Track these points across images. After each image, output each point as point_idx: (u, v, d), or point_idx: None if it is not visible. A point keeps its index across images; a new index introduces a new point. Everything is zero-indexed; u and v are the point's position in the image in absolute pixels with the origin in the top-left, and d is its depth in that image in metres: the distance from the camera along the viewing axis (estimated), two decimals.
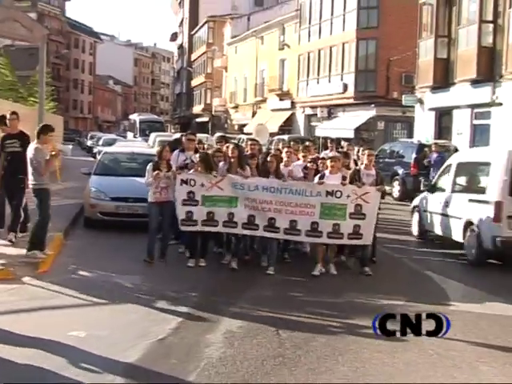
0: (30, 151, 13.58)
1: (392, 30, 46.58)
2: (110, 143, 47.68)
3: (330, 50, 54.25)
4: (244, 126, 69.57)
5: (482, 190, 16.34)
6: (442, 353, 9.02)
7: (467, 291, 13.77)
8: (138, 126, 60.44)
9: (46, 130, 13.94)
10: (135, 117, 68.32)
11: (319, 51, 56.22)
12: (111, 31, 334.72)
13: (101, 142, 52.60)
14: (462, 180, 18.32)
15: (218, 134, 32.67)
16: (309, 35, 58.58)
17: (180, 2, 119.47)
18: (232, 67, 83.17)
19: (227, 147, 15.48)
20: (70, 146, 13.46)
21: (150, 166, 14.47)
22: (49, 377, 7.73)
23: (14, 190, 14.87)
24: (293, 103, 62.62)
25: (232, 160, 14.50)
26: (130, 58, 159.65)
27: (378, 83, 49.68)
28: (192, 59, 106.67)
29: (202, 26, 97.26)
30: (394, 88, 48.20)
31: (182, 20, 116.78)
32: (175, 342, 9.26)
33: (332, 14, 54.09)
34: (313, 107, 57.86)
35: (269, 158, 14.62)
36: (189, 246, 14.86)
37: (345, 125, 49.30)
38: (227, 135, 33.99)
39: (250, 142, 17.31)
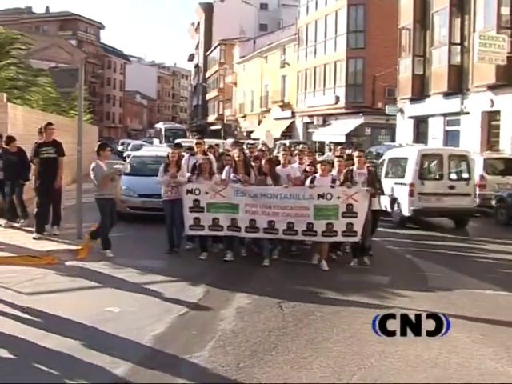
0: (91, 167, 13.57)
1: (377, 51, 46.73)
2: (137, 148, 47.58)
3: (324, 68, 54.34)
4: (251, 132, 69.56)
5: (402, 176, 20.43)
6: None
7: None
8: (163, 133, 58.55)
9: (103, 147, 14.05)
10: (160, 125, 66.74)
11: (315, 68, 56.29)
12: (138, 53, 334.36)
13: (130, 147, 52.41)
14: (391, 169, 21.82)
15: (229, 140, 32.52)
16: (306, 55, 58.62)
17: (196, 28, 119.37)
18: (241, 83, 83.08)
19: (234, 151, 14.97)
20: (128, 166, 13.14)
21: (162, 167, 14.46)
22: (95, 344, 7.86)
23: (52, 192, 15.01)
24: (293, 113, 62.53)
25: (238, 163, 13.96)
26: (154, 75, 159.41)
27: (365, 95, 49.75)
28: (207, 76, 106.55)
29: (214, 48, 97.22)
30: (378, 99, 48.15)
31: (198, 43, 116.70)
32: (194, 317, 9.34)
33: (325, 37, 54.26)
34: (310, 116, 57.87)
35: (263, 162, 14.10)
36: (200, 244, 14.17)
37: (337, 131, 49.36)
38: (240, 140, 34.14)
39: (249, 146, 17.31)
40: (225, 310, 9.75)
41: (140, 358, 7.49)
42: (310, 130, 58.45)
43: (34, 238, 14.38)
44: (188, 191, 13.62)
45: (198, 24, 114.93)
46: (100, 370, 7.08)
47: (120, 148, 61.72)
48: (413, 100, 37.90)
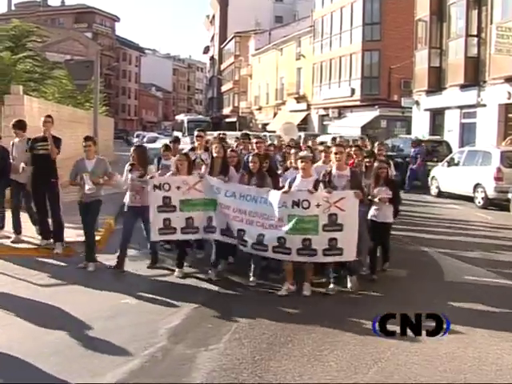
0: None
1: (392, 43, 46.59)
2: (152, 140, 47.86)
3: (340, 60, 54.25)
4: (267, 124, 69.41)
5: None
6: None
7: None
8: (185, 125, 54.48)
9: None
10: (182, 117, 63.62)
11: (330, 61, 56.21)
12: (153, 46, 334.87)
13: (145, 140, 52.67)
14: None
15: (234, 132, 29.77)
16: (321, 47, 58.53)
17: (211, 21, 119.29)
18: (256, 75, 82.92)
19: (213, 146, 12.28)
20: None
21: (127, 166, 11.92)
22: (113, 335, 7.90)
23: (48, 194, 12.75)
24: (308, 105, 62.51)
25: (216, 160, 11.73)
26: (170, 68, 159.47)
27: (381, 88, 49.70)
28: (222, 69, 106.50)
29: (230, 41, 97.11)
30: (394, 92, 48.11)
31: (213, 35, 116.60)
32: (210, 310, 9.30)
33: (341, 29, 54.11)
34: (325, 108, 57.85)
35: (250, 158, 11.29)
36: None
37: (352, 123, 49.19)
38: (252, 132, 33.74)
39: (255, 140, 14.20)
40: (240, 302, 9.73)
41: (155, 351, 7.50)
42: (325, 123, 58.32)
43: (40, 246, 12.99)
44: (155, 187, 11.13)
45: (213, 16, 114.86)
46: (116, 363, 7.09)
47: (135, 140, 61.70)
48: (429, 92, 37.71)
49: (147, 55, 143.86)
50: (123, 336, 7.99)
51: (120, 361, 7.16)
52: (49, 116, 12.91)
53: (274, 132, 43.93)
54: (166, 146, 13.75)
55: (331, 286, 10.43)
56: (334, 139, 20.15)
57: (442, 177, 26.57)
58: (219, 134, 17.61)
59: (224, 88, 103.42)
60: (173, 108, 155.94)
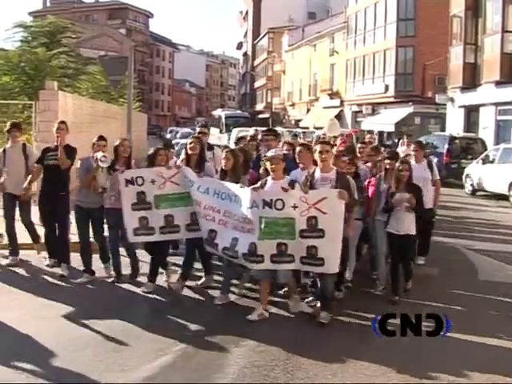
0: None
1: (427, 39, 46.15)
2: (186, 136, 47.95)
3: (374, 56, 53.96)
4: (300, 121, 69.38)
5: None
6: None
7: None
8: (223, 121, 51.89)
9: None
10: (220, 112, 61.55)
11: (364, 57, 55.95)
12: (187, 42, 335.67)
13: (178, 135, 52.84)
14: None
15: (278, 128, 27.98)
16: (355, 43, 58.29)
17: (244, 17, 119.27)
18: (289, 71, 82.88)
19: (188, 140, 10.72)
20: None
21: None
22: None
23: (57, 208, 11.00)
24: (341, 101, 62.28)
25: (192, 157, 10.25)
26: (203, 64, 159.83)
27: (415, 84, 49.35)
28: (255, 64, 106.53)
29: (263, 37, 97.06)
30: (428, 88, 47.76)
31: (247, 31, 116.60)
32: (242, 305, 9.30)
33: (375, 25, 53.81)
34: (359, 105, 57.61)
35: (223, 153, 9.97)
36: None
37: (386, 120, 49.02)
38: (284, 129, 33.45)
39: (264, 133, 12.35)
40: (274, 298, 9.60)
41: (187, 346, 7.53)
42: (358, 119, 58.09)
43: (48, 265, 11.34)
44: (127, 181, 9.82)
45: (247, 12, 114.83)
46: (147, 358, 7.13)
47: (168, 136, 61.95)
48: (464, 89, 37.37)
49: (181, 51, 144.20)
50: (155, 331, 8.01)
51: (151, 356, 7.19)
52: (63, 122, 11.33)
53: (307, 128, 43.77)
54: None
55: (323, 313, 8.56)
56: (318, 137, 17.26)
57: (477, 174, 26.30)
58: (256, 130, 15.29)
59: (257, 84, 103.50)
60: (206, 104, 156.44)
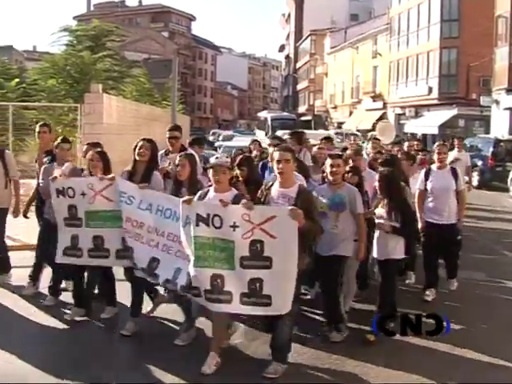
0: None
1: (471, 40, 45.64)
2: (228, 138, 48.10)
3: (417, 58, 53.69)
4: (342, 123, 69.27)
5: None
6: None
7: None
8: (269, 123, 48.86)
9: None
10: (265, 114, 57.25)
11: (407, 58, 55.70)
12: (229, 45, 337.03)
13: (221, 138, 53.04)
14: None
15: (321, 131, 25.49)
16: (398, 45, 58.06)
17: (287, 19, 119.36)
18: (331, 73, 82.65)
19: (139, 147, 8.43)
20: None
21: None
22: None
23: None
24: (384, 104, 62.05)
25: (139, 164, 8.48)
26: (245, 66, 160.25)
27: (459, 86, 48.95)
28: (297, 67, 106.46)
29: (305, 39, 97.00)
30: (473, 90, 47.31)
31: (289, 34, 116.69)
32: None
33: (418, 27, 53.55)
34: (402, 107, 57.39)
35: (177, 159, 8.03)
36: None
37: (430, 122, 48.71)
38: (326, 132, 33.35)
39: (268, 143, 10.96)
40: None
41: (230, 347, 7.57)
42: (401, 122, 57.74)
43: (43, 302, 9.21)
44: (58, 192, 8.29)
45: (289, 15, 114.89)
46: (185, 357, 7.15)
47: (211, 138, 62.16)
48: (509, 90, 37.00)
49: (223, 54, 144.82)
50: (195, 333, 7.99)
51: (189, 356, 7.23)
52: (45, 124, 10.62)
53: (349, 130, 43.67)
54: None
55: (273, 366, 6.80)
56: (274, 138, 13.74)
57: None
58: (293, 131, 12.92)
59: (299, 86, 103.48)
60: (248, 106, 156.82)
